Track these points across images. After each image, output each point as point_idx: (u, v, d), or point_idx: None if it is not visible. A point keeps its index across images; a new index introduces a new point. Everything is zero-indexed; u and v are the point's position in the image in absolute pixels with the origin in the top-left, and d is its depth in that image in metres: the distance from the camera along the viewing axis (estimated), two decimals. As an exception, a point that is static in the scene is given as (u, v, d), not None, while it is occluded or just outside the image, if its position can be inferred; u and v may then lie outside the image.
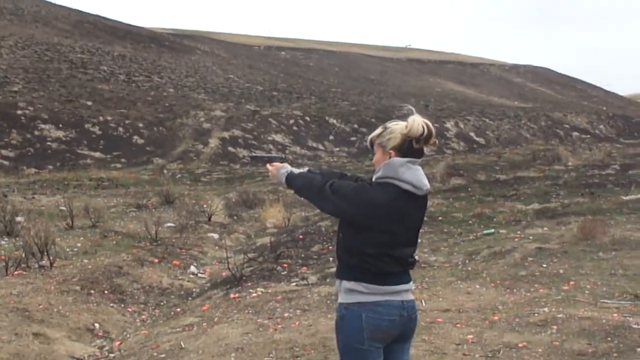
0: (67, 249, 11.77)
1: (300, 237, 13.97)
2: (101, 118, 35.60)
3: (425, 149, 3.50)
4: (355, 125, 43.12)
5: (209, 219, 16.32)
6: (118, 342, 7.89)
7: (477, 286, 8.69)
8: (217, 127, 37.73)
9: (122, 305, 9.39)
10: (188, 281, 11.08)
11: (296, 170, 3.69)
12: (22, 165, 28.92)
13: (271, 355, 6.27)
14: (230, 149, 35.41)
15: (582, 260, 9.67)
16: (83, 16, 68.01)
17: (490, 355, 5.94)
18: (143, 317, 9.15)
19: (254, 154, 4.13)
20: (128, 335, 8.24)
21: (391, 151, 3.45)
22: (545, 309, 7.21)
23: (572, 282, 8.44)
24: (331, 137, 41.18)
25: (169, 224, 15.01)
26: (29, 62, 43.36)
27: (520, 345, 6.10)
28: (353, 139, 41.23)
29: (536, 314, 7.03)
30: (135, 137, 35.00)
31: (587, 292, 7.96)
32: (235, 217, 17.56)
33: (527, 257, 10.19)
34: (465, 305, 7.65)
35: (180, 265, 11.87)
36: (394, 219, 3.40)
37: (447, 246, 12.02)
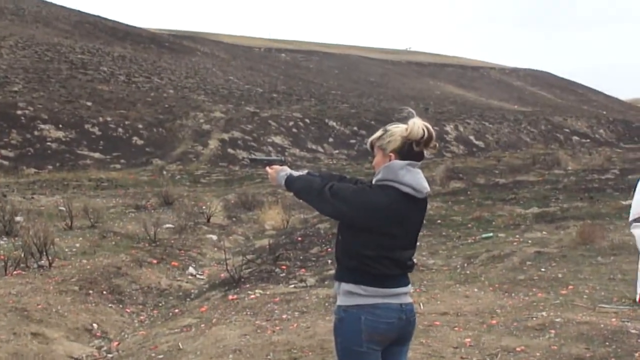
0: (66, 249, 11.77)
1: (299, 239, 13.98)
2: (101, 119, 35.60)
3: (426, 152, 3.51)
4: (355, 128, 43.12)
5: (208, 221, 16.32)
6: (116, 343, 7.89)
7: (476, 290, 8.69)
8: (216, 128, 37.73)
9: (121, 305, 9.39)
10: (186, 282, 11.09)
11: (295, 173, 3.69)
12: (22, 165, 28.91)
13: (269, 357, 6.27)
14: (230, 150, 35.40)
15: (581, 264, 9.67)
16: (83, 17, 68.04)
17: (487, 359, 5.94)
18: (141, 317, 9.15)
19: (253, 157, 4.13)
20: (126, 336, 8.25)
21: (391, 154, 3.46)
22: (544, 313, 7.21)
23: (570, 287, 8.45)
24: (330, 140, 41.18)
25: (167, 225, 15.01)
26: (29, 62, 43.36)
27: (518, 349, 6.10)
28: (352, 141, 41.23)
29: (534, 318, 7.03)
30: (135, 138, 35.00)
31: (585, 296, 7.97)
32: (234, 219, 17.56)
33: (526, 261, 10.20)
34: (464, 309, 7.66)
35: (178, 266, 11.87)
36: (394, 221, 3.40)
37: (446, 249, 12.02)
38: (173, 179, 26.95)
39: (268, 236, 14.82)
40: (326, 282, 9.50)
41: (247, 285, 9.90)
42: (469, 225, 14.32)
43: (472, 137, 47.93)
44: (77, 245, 12.31)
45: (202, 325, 7.86)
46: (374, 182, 3.50)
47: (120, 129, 35.26)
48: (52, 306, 8.41)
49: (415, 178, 3.44)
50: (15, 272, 9.79)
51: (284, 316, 7.85)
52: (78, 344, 7.68)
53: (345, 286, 3.47)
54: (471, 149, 45.30)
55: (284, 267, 11.24)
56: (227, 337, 7.04)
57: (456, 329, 6.84)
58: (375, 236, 3.40)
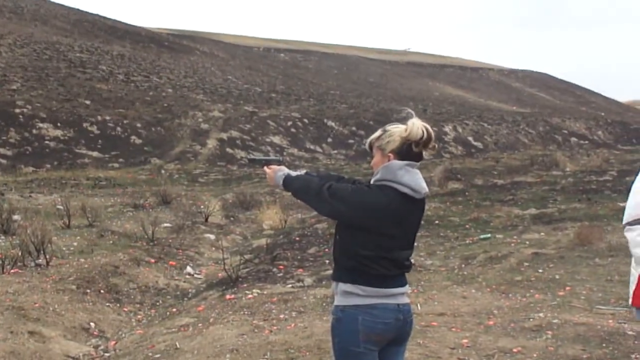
0: (64, 248, 11.76)
1: (297, 239, 13.98)
2: (99, 117, 35.58)
3: (424, 153, 3.51)
4: (354, 128, 43.13)
5: (206, 220, 16.32)
6: (113, 342, 7.89)
7: (473, 290, 8.70)
8: (215, 128, 37.72)
9: (118, 304, 9.38)
10: (184, 282, 11.08)
11: (293, 173, 3.69)
12: (20, 164, 28.88)
13: (266, 356, 6.28)
14: (228, 150, 35.39)
15: (578, 266, 9.68)
16: (82, 15, 68.02)
17: (484, 359, 5.95)
18: (139, 316, 9.15)
19: (251, 157, 4.13)
20: (123, 335, 8.24)
21: (390, 154, 3.46)
22: (541, 314, 7.22)
23: (567, 288, 8.46)
24: (329, 140, 41.18)
25: (165, 224, 15.01)
26: (28, 61, 43.33)
27: (515, 350, 6.10)
28: (351, 141, 41.23)
29: (531, 319, 7.04)
30: (133, 137, 34.98)
31: (582, 297, 7.98)
32: (232, 218, 17.56)
33: (523, 262, 10.20)
34: (461, 310, 7.66)
35: (176, 266, 11.87)
36: (392, 221, 3.41)
37: (444, 250, 12.03)
38: (171, 178, 26.95)
39: (266, 236, 14.82)
40: (324, 282, 9.50)
41: (245, 285, 9.90)
42: (467, 226, 14.33)
43: (470, 138, 47.95)
44: (75, 244, 12.30)
45: (200, 325, 7.86)
46: (372, 182, 3.51)
47: (118, 128, 35.24)
48: (50, 305, 8.41)
49: (413, 178, 3.44)
50: (12, 271, 9.78)
51: (282, 316, 7.85)
52: (75, 342, 7.67)
53: (343, 286, 3.47)
54: (469, 149, 45.31)
55: (281, 267, 11.24)
56: (224, 337, 7.04)
57: (453, 329, 6.85)
58: (374, 236, 3.40)
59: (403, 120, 3.49)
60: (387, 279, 3.45)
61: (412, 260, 3.66)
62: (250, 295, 9.16)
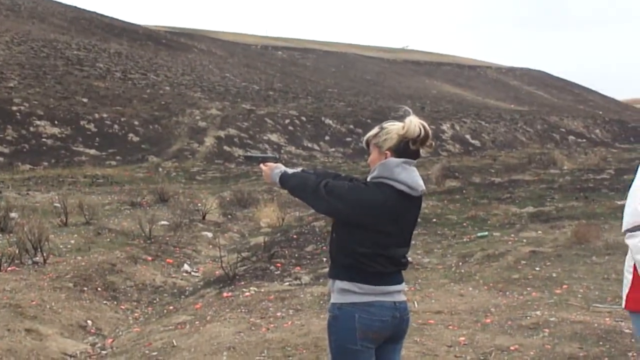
0: (61, 246, 11.75)
1: (294, 237, 13.98)
2: (97, 115, 35.54)
3: (421, 151, 3.51)
4: (351, 126, 43.12)
5: (203, 218, 16.30)
6: (110, 340, 7.88)
7: (470, 288, 8.71)
8: (212, 125, 37.70)
9: (115, 302, 9.38)
10: (181, 279, 11.08)
11: (290, 170, 3.69)
12: (17, 162, 28.87)
13: (263, 354, 6.27)
14: (226, 148, 35.38)
15: (576, 264, 9.69)
16: (79, 13, 67.89)
17: (481, 357, 5.95)
18: (136, 314, 9.14)
19: (247, 154, 4.13)
20: (120, 333, 8.23)
21: (387, 152, 3.46)
22: (538, 312, 7.22)
23: (565, 286, 8.46)
24: (327, 138, 41.17)
25: (163, 222, 15.00)
26: (25, 58, 43.26)
27: (511, 348, 6.11)
28: (348, 139, 41.23)
29: (528, 317, 7.04)
30: (131, 134, 34.95)
31: (579, 296, 7.99)
32: (229, 216, 17.55)
33: (521, 260, 10.21)
34: (458, 308, 7.67)
35: (173, 264, 11.86)
36: (389, 219, 3.40)
37: (441, 248, 12.04)
38: (169, 176, 26.93)
39: (263, 234, 14.81)
40: (321, 280, 9.50)
41: (242, 283, 9.90)
42: (464, 224, 14.34)
43: (468, 136, 47.96)
44: (72, 241, 12.29)
45: (197, 323, 7.86)
46: (369, 179, 3.50)
47: (116, 126, 35.21)
48: (47, 302, 8.40)
49: (410, 176, 3.44)
50: (9, 269, 9.78)
51: (279, 314, 7.85)
52: (72, 340, 7.66)
53: (340, 284, 3.47)
54: (467, 148, 45.32)
55: (278, 264, 11.24)
56: (221, 335, 7.03)
57: (450, 327, 6.85)
58: (371, 234, 3.40)
59: (400, 118, 3.49)
60: (384, 277, 3.45)
61: (409, 258, 3.66)
62: (247, 293, 9.16)
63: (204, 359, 6.32)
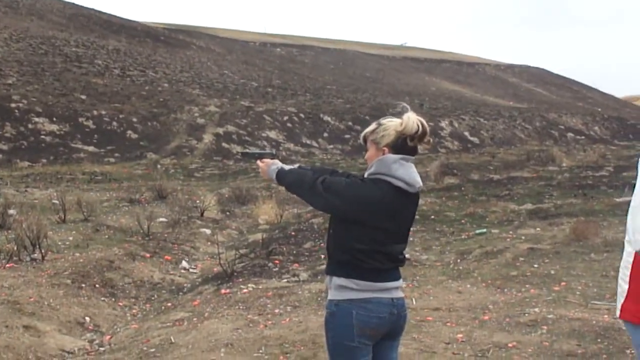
0: (59, 243, 11.74)
1: (293, 233, 13.97)
2: (95, 112, 35.52)
3: (419, 147, 3.50)
4: (350, 123, 43.12)
5: (202, 215, 16.30)
6: (108, 336, 7.88)
7: (468, 285, 8.71)
8: (211, 122, 37.69)
9: (113, 299, 9.37)
10: (179, 276, 11.07)
11: (287, 167, 3.68)
12: (16, 159, 28.87)
13: (261, 351, 6.27)
14: (224, 144, 35.37)
15: (574, 261, 9.69)
16: (78, 10, 67.83)
17: (479, 354, 5.95)
18: (134, 311, 9.14)
19: (245, 151, 4.12)
20: (118, 329, 8.23)
21: (385, 148, 3.45)
22: (536, 309, 7.22)
23: (563, 283, 8.46)
24: (325, 135, 41.17)
25: (161, 219, 14.99)
26: (24, 55, 43.24)
27: (510, 345, 6.11)
28: (347, 136, 41.22)
29: (526, 314, 7.04)
30: (129, 131, 34.94)
31: (578, 293, 7.99)
32: (227, 213, 17.54)
33: (519, 257, 10.21)
34: (456, 304, 7.67)
35: (171, 260, 11.85)
36: (386, 215, 3.40)
37: (439, 245, 12.03)
38: (167, 172, 26.90)
39: (261, 231, 14.80)
40: (319, 277, 9.50)
41: (240, 280, 9.90)
42: (463, 221, 14.34)
43: (466, 133, 47.97)
44: (70, 238, 12.28)
45: (195, 319, 7.85)
46: (366, 175, 3.49)
47: (114, 123, 35.19)
48: (45, 299, 8.39)
49: (408, 172, 3.43)
50: (7, 265, 9.77)
51: (276, 310, 7.85)
52: (70, 337, 7.66)
53: (337, 280, 3.46)
54: (466, 144, 45.32)
55: (277, 261, 11.23)
56: (219, 331, 7.03)
57: (448, 324, 6.85)
58: (368, 230, 3.39)
59: (398, 114, 3.48)
60: (381, 273, 3.44)
61: (407, 255, 3.65)
62: (245, 290, 9.15)
63: (202, 355, 6.31)
